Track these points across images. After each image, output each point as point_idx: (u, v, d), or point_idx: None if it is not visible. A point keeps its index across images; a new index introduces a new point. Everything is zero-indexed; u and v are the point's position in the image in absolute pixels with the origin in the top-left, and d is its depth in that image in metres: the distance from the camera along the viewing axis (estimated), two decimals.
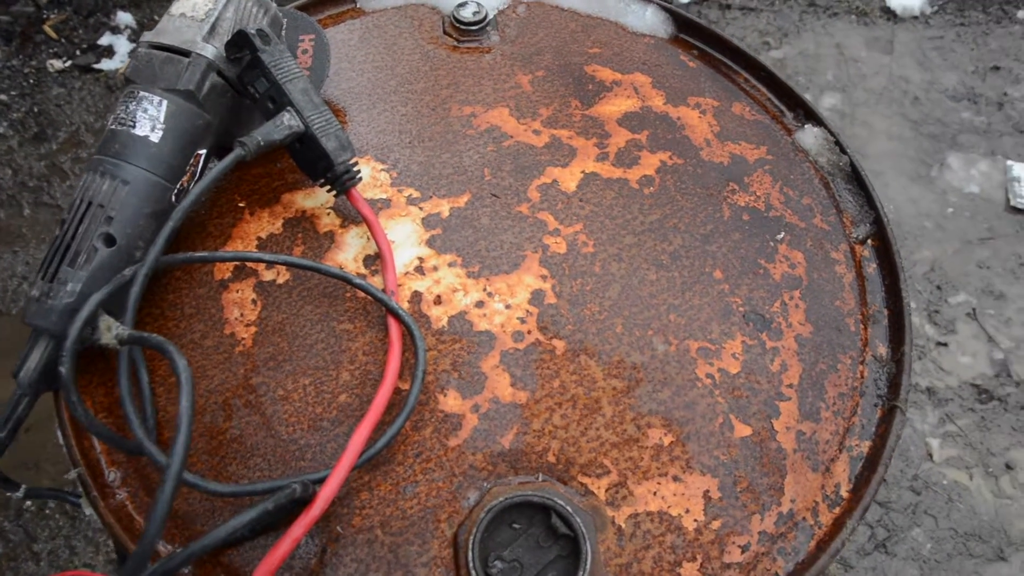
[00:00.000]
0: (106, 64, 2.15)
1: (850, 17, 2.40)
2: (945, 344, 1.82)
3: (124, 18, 2.23)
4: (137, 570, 0.36)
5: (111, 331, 0.45)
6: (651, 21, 0.79)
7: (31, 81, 2.13)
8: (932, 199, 2.07)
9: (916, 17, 2.40)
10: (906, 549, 1.54)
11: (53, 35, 2.19)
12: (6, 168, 1.96)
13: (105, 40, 2.20)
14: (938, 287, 1.90)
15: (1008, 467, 1.66)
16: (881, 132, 2.18)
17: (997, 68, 2.33)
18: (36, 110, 2.08)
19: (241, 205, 0.65)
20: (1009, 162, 2.11)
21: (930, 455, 1.67)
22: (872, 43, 2.36)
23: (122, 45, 2.19)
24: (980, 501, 1.61)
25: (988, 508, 1.61)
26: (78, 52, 2.18)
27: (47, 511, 1.48)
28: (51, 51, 2.18)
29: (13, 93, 2.11)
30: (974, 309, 1.86)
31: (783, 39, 2.33)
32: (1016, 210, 2.04)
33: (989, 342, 1.82)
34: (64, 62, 2.16)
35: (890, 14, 2.40)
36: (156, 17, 2.26)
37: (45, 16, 2.22)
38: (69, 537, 1.45)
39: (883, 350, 0.63)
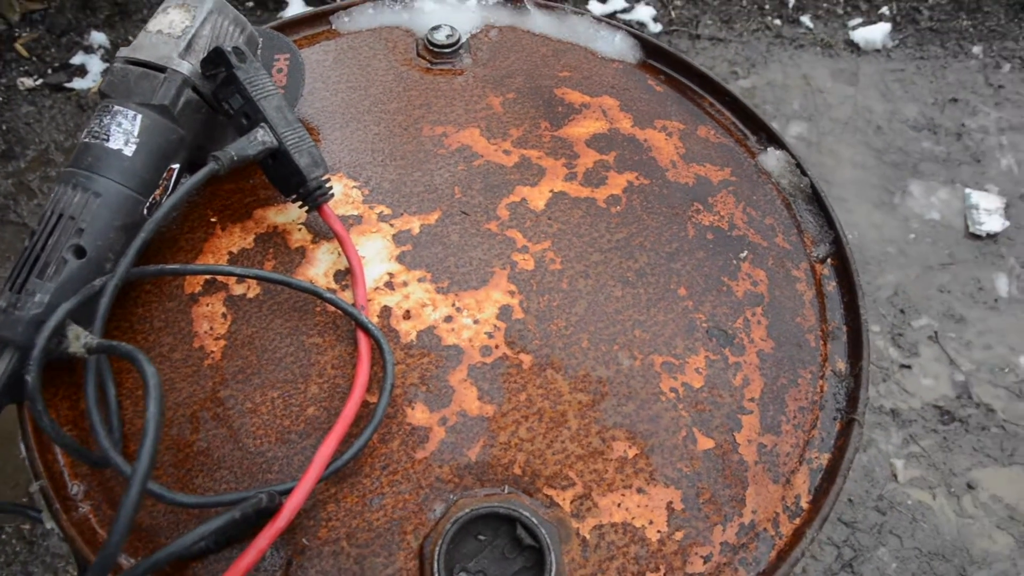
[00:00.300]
0: (78, 83, 2.14)
1: (815, 49, 2.47)
2: (908, 366, 1.86)
3: (98, 38, 2.22)
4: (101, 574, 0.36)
5: (79, 340, 0.45)
6: (620, 47, 0.81)
7: (0, 99, 2.11)
8: (895, 225, 2.13)
9: (878, 50, 2.48)
10: (872, 569, 1.56)
11: (24, 53, 2.18)
12: None
13: (78, 59, 2.19)
14: (901, 311, 1.95)
15: (969, 487, 1.69)
16: (846, 160, 2.24)
17: (955, 100, 2.42)
18: (5, 128, 2.06)
19: (213, 220, 0.66)
20: (967, 190, 2.18)
21: (895, 475, 1.70)
22: (837, 74, 2.44)
23: (95, 64, 2.19)
24: (943, 520, 1.64)
25: (951, 527, 1.63)
26: (49, 71, 2.17)
27: (3, 536, 1.44)
28: (22, 69, 2.17)
29: None
30: (936, 332, 1.91)
31: (751, 69, 2.39)
32: (974, 236, 2.10)
33: (951, 365, 1.86)
34: (35, 80, 2.14)
35: (854, 47, 2.48)
36: (130, 37, 2.25)
37: (17, 34, 2.21)
38: (26, 563, 1.41)
39: (842, 365, 0.65)
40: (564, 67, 0.80)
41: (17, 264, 0.54)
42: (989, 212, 2.15)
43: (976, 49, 2.55)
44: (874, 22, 2.50)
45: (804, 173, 0.73)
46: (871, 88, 2.41)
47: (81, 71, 2.17)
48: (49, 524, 0.53)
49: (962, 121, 2.38)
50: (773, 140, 0.76)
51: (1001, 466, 1.73)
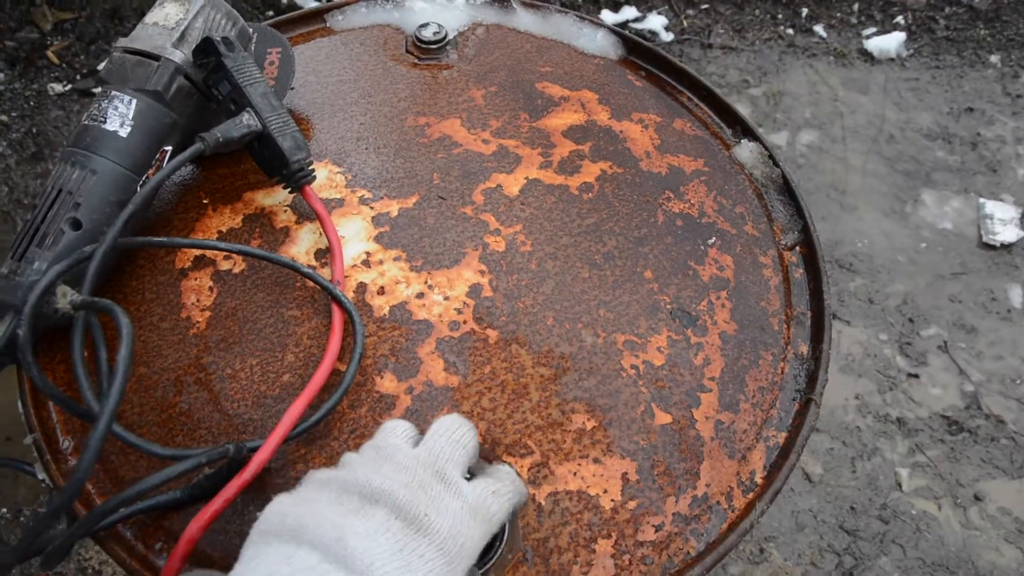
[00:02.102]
0: None
1: (828, 58, 2.48)
2: (916, 376, 1.85)
3: None
4: (68, 500, 0.39)
5: (66, 297, 0.49)
6: (602, 43, 0.84)
7: (31, 103, 2.20)
8: (906, 234, 2.12)
9: (892, 59, 2.48)
10: None
11: (55, 60, 2.27)
12: (3, 185, 2.02)
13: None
14: (910, 320, 1.94)
15: (977, 498, 1.68)
16: (857, 168, 2.25)
17: (971, 109, 2.41)
18: (35, 131, 2.14)
19: (205, 202, 0.70)
20: (982, 200, 2.17)
21: (899, 484, 1.69)
22: (849, 83, 2.44)
23: None
24: (948, 531, 1.63)
25: (956, 539, 1.62)
26: (78, 77, 2.25)
27: (21, 519, 1.50)
28: (52, 75, 2.26)
29: (14, 114, 2.17)
30: (945, 342, 1.90)
31: (763, 78, 2.41)
32: (988, 246, 2.08)
33: (960, 375, 1.85)
34: (64, 86, 2.23)
35: (867, 56, 2.48)
36: None
37: (49, 42, 2.30)
38: None
39: (804, 348, 0.66)
40: (546, 63, 0.83)
41: (19, 234, 0.59)
42: (1004, 222, 2.13)
43: (994, 58, 2.54)
44: (888, 31, 2.50)
45: (776, 164, 0.76)
46: (884, 97, 2.41)
47: None
48: (41, 475, 0.56)
49: (978, 131, 2.37)
50: (747, 133, 0.79)
51: (1010, 478, 1.71)
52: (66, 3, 2.31)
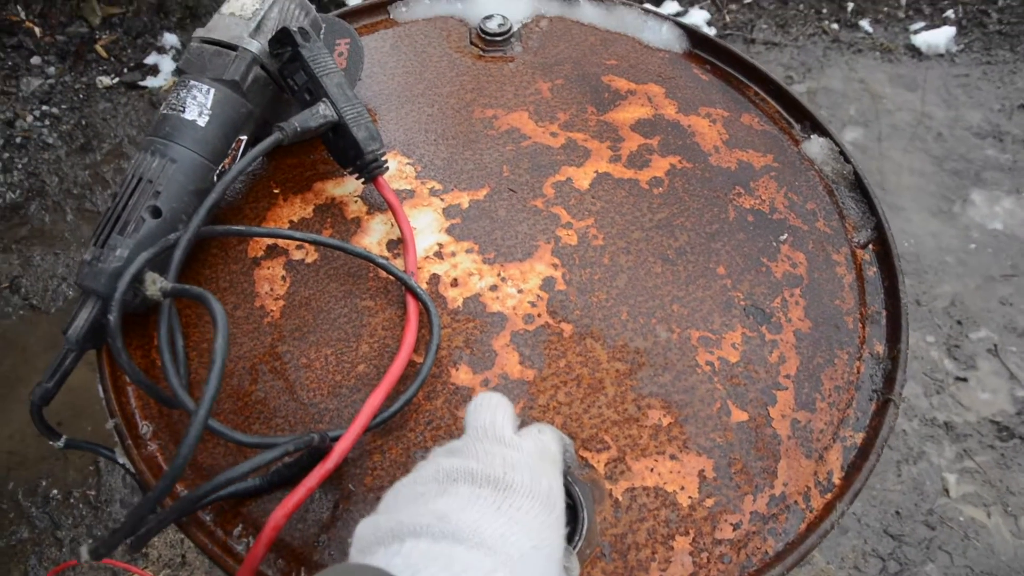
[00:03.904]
0: (151, 81, 2.26)
1: (874, 54, 2.43)
2: (965, 379, 1.81)
3: (170, 39, 2.34)
4: (163, 493, 0.40)
5: (155, 284, 0.49)
6: (667, 37, 0.83)
7: (81, 96, 2.24)
8: (954, 234, 2.07)
9: (942, 55, 2.43)
10: None
11: (104, 54, 2.30)
12: (53, 176, 2.06)
13: (151, 59, 2.31)
14: (958, 322, 1.90)
15: None
16: (903, 167, 2.20)
17: None
18: (84, 123, 2.18)
19: (276, 192, 0.70)
20: None
21: (946, 490, 1.65)
22: (896, 80, 2.39)
23: (167, 64, 2.30)
24: (999, 540, 1.59)
25: (1007, 548, 1.58)
26: (126, 70, 2.29)
27: (71, 500, 1.53)
28: (101, 69, 2.29)
29: (64, 107, 2.21)
30: (996, 345, 1.85)
31: (807, 74, 2.37)
32: None
33: (1011, 379, 1.81)
34: (112, 79, 2.26)
35: (915, 52, 2.43)
36: None
37: (97, 37, 2.33)
38: (91, 526, 1.49)
39: (880, 348, 0.65)
40: (611, 55, 0.82)
41: (101, 221, 0.59)
42: None
43: None
44: (938, 26, 2.44)
45: (848, 160, 0.74)
46: (932, 94, 2.36)
47: (154, 70, 2.29)
48: (121, 459, 0.57)
49: None
50: (817, 128, 0.77)
51: None
52: None
